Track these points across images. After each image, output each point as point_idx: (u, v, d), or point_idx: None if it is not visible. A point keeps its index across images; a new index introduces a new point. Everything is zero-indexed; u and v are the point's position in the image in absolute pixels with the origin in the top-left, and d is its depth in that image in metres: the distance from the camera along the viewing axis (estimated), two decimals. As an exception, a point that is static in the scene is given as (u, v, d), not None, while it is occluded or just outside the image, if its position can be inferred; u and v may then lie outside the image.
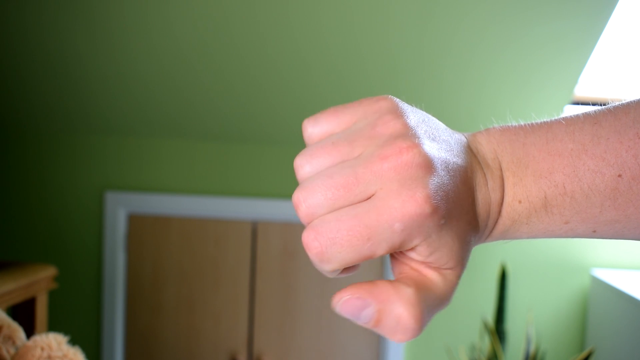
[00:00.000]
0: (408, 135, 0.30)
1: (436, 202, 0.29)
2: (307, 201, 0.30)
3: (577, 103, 2.07)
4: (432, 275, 0.32)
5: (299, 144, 2.13)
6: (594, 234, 0.34)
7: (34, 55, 1.79)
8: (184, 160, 2.16)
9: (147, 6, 1.58)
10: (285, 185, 2.15)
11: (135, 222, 2.16)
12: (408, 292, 0.30)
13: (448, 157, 0.31)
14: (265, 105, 1.95)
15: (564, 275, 2.14)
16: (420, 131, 0.31)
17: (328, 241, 0.28)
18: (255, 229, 2.16)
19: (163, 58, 1.76)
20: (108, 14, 1.62)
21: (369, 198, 0.29)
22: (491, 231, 0.34)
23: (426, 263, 0.31)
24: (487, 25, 1.60)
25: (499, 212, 0.33)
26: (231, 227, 2.16)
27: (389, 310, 0.29)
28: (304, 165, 0.32)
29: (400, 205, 0.28)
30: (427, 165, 0.29)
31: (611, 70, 2.08)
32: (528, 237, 0.35)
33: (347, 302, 0.29)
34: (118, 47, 1.73)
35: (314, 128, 0.34)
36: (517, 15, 1.56)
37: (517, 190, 0.33)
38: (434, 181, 0.29)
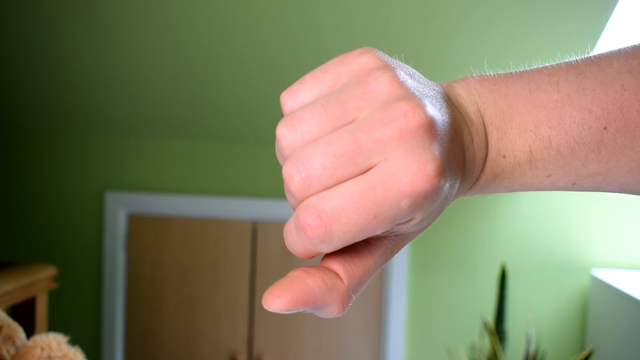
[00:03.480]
0: (408, 95, 0.27)
1: (445, 173, 0.26)
2: (302, 172, 0.26)
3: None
4: (382, 248, 0.30)
5: (299, 144, 2.13)
6: (573, 186, 0.33)
7: (34, 55, 1.79)
8: (184, 160, 2.16)
9: (147, 6, 1.58)
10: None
11: (135, 222, 2.16)
12: (341, 288, 0.29)
13: (443, 116, 0.28)
14: (265, 105, 1.95)
15: (564, 275, 2.14)
16: (418, 89, 0.28)
17: (333, 221, 0.25)
18: (255, 229, 2.16)
19: (163, 58, 1.76)
20: (108, 14, 1.62)
21: (370, 168, 0.26)
22: (471, 187, 0.32)
23: (398, 229, 0.29)
24: (487, 26, 1.60)
25: (482, 169, 0.32)
26: (231, 227, 2.16)
27: (321, 307, 0.29)
28: (289, 133, 0.27)
29: (410, 180, 0.25)
30: (433, 129, 0.26)
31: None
32: (507, 191, 0.34)
33: (278, 305, 0.27)
34: (118, 47, 1.73)
35: (295, 100, 0.29)
36: (517, 16, 1.57)
37: (501, 144, 0.31)
38: (441, 148, 0.27)
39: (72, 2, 1.58)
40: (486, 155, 0.31)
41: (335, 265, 0.29)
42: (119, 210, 2.13)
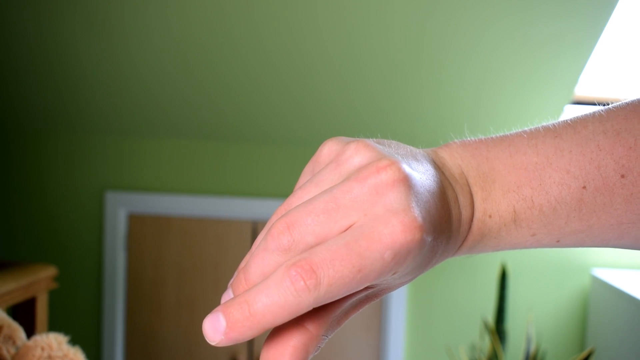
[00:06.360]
0: (381, 156, 0.28)
1: (425, 226, 0.27)
2: (290, 230, 0.27)
3: (577, 103, 2.07)
4: (355, 295, 0.30)
5: (299, 144, 2.13)
6: (558, 243, 0.34)
7: (33, 55, 1.79)
8: (184, 160, 2.16)
9: (147, 6, 1.58)
10: (284, 185, 2.15)
11: (135, 222, 2.16)
12: (314, 339, 0.28)
13: (422, 175, 0.30)
14: (264, 105, 1.95)
15: (564, 275, 2.14)
16: (390, 152, 0.29)
17: (322, 274, 0.26)
18: (255, 229, 2.16)
19: (162, 58, 1.76)
20: (107, 14, 1.62)
21: (352, 224, 0.27)
22: (460, 247, 0.33)
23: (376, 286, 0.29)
24: (487, 25, 1.60)
25: (469, 229, 0.33)
26: (231, 227, 2.16)
27: None
28: (280, 211, 0.30)
29: (390, 232, 0.26)
30: (408, 183, 0.27)
31: (611, 70, 2.08)
32: (494, 250, 0.35)
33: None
34: (117, 47, 1.73)
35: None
36: (517, 14, 1.57)
37: (487, 205, 0.33)
38: (419, 201, 0.28)
39: (72, 1, 1.58)
40: (472, 215, 0.33)
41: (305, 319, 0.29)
42: (119, 210, 2.13)
